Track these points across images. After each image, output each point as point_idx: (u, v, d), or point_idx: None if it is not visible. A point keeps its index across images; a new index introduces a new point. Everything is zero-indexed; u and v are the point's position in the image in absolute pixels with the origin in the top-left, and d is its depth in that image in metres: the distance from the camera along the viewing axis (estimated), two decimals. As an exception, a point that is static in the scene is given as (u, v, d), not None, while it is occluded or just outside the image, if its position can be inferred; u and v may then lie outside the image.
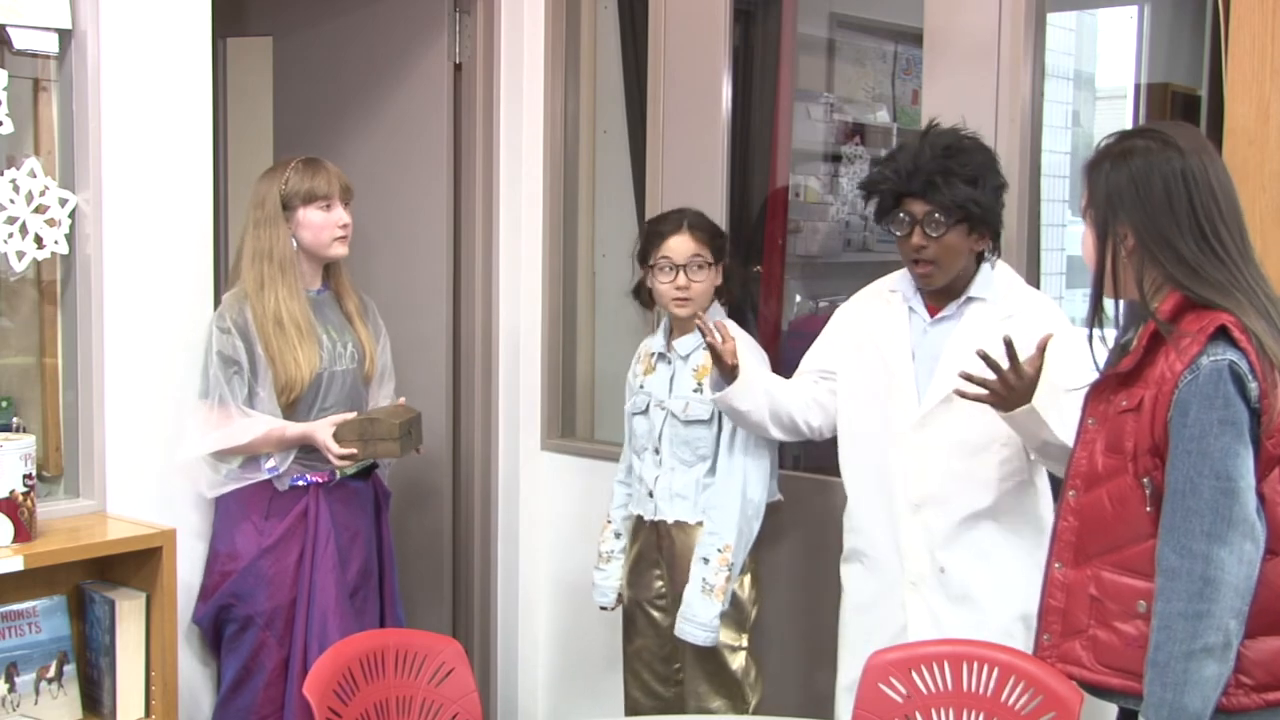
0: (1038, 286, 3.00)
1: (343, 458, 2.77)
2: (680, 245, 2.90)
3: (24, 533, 2.44)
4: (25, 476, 2.44)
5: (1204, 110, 3.23)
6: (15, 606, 2.52)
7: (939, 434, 2.53)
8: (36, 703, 2.54)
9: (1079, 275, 5.39)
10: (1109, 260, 1.96)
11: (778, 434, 2.77)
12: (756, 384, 2.69)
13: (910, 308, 2.62)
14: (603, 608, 3.13)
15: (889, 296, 2.67)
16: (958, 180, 2.46)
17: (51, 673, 2.56)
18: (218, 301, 2.88)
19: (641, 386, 3.02)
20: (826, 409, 2.75)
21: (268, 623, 2.81)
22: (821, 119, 3.85)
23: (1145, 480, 1.91)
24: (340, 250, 2.89)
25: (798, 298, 3.82)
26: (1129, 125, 4.22)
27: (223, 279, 3.93)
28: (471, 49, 3.55)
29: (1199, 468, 1.82)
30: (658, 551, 2.99)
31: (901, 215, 2.51)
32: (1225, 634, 1.81)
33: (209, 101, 2.86)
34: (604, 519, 3.14)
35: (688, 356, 2.94)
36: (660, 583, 3.00)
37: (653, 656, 3.04)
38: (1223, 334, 1.84)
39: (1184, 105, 3.77)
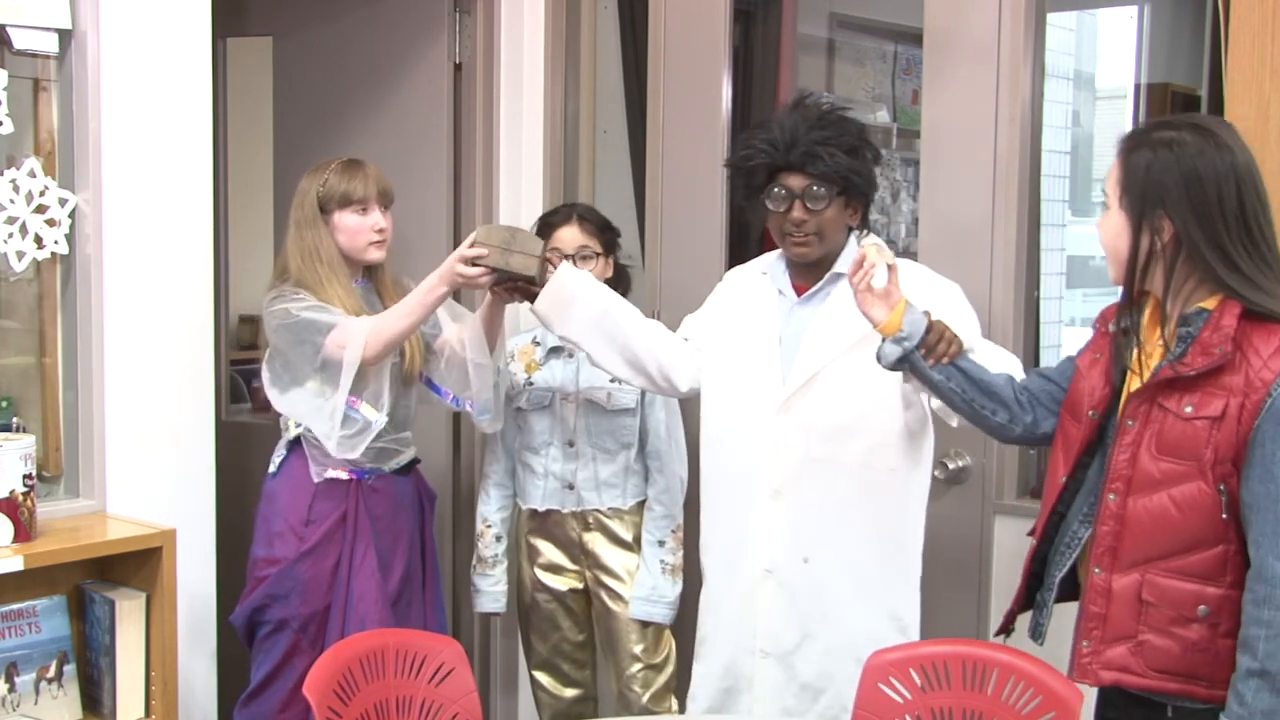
0: (1037, 287, 3.00)
1: (472, 261, 2.58)
2: (568, 236, 3.00)
3: (24, 533, 2.43)
4: (25, 476, 2.43)
5: (1204, 110, 3.23)
6: (15, 606, 2.52)
7: (802, 418, 2.47)
8: (36, 703, 2.53)
9: (1079, 275, 5.39)
10: (1143, 251, 1.93)
11: (629, 375, 2.69)
12: (583, 306, 2.57)
13: (779, 290, 2.57)
14: (496, 614, 3.20)
15: (760, 280, 2.63)
16: (838, 151, 2.41)
17: (51, 673, 2.56)
18: (218, 302, 2.87)
19: (530, 383, 3.05)
20: (690, 368, 2.67)
21: (302, 626, 2.80)
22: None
23: (1221, 487, 1.88)
24: (376, 255, 2.87)
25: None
26: (1129, 125, 4.22)
27: (223, 279, 3.94)
28: (471, 49, 3.55)
29: None
30: (579, 542, 3.06)
31: (778, 190, 2.45)
32: None
33: (209, 101, 2.86)
34: (482, 523, 3.15)
35: None
36: (575, 573, 3.09)
37: (572, 647, 3.16)
38: None
39: (1184, 105, 3.78)
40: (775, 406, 2.49)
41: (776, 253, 2.60)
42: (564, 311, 2.62)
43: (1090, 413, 2.05)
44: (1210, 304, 1.92)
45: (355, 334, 2.67)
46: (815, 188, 2.42)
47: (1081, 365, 2.12)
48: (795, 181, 2.44)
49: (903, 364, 2.19)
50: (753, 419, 2.53)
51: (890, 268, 2.20)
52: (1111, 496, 1.97)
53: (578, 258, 2.97)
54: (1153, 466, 1.93)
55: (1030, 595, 2.18)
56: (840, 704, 2.48)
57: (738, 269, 2.76)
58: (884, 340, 2.20)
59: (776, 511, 2.50)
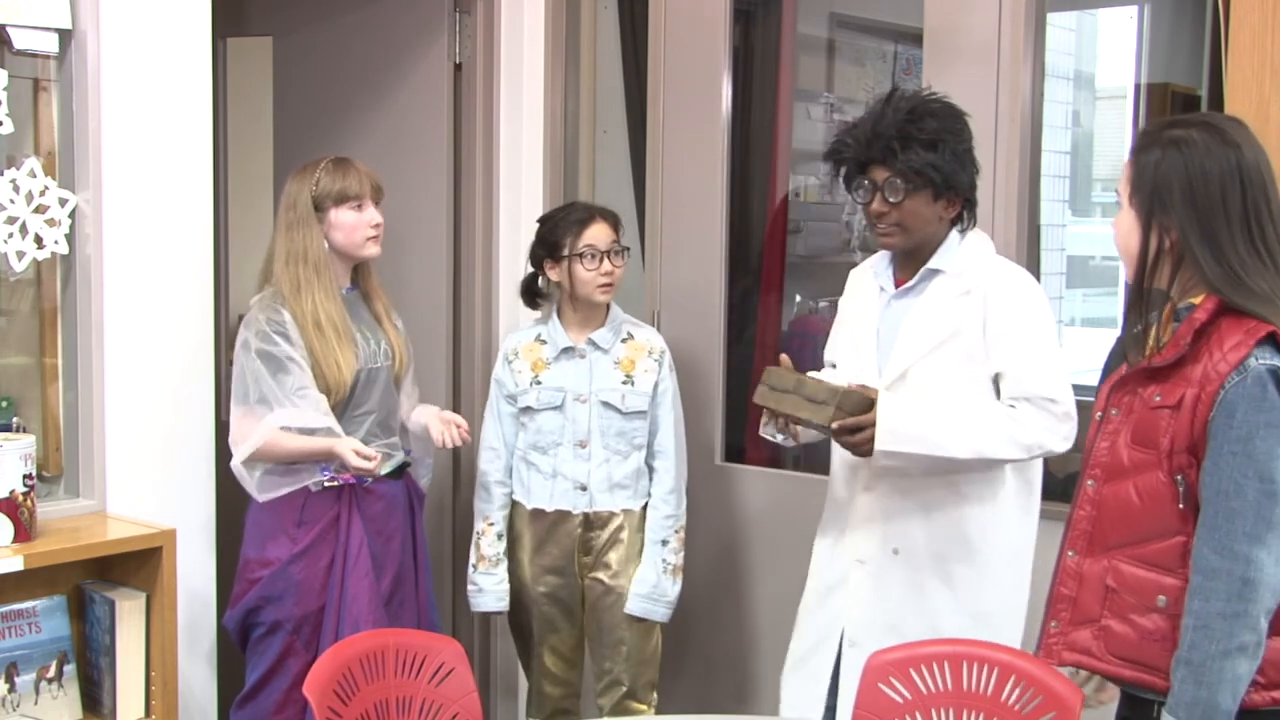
0: (1038, 286, 3.00)
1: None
2: (601, 233, 3.01)
3: (24, 533, 2.44)
4: (25, 476, 2.44)
5: (1204, 110, 3.22)
6: (15, 606, 2.52)
7: None
8: (36, 703, 2.54)
9: (1079, 275, 5.39)
10: (1153, 250, 1.94)
11: None
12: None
13: (880, 286, 2.59)
14: (499, 612, 3.14)
15: (867, 275, 2.66)
16: (917, 145, 2.42)
17: (51, 673, 2.56)
18: (218, 301, 2.86)
19: (538, 382, 3.03)
20: None
21: (296, 628, 2.79)
22: (821, 119, 3.85)
23: (1178, 477, 1.90)
24: (373, 250, 2.87)
25: (798, 298, 3.82)
26: (1129, 125, 4.22)
27: (223, 279, 3.93)
28: (471, 49, 3.55)
29: (1243, 469, 1.82)
30: (579, 541, 3.04)
31: (865, 181, 2.49)
32: (1259, 633, 1.82)
33: (209, 101, 2.86)
34: (484, 521, 3.10)
35: (609, 349, 3.01)
36: (574, 571, 3.06)
37: (568, 647, 3.14)
38: (1270, 339, 1.84)
39: (1184, 105, 3.77)
40: None
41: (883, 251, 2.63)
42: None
43: (1098, 415, 2.07)
44: (1199, 299, 1.93)
45: (264, 427, 2.70)
46: (894, 180, 2.45)
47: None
48: (878, 174, 2.48)
49: None
50: None
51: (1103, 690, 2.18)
52: (1090, 482, 2.02)
53: (611, 253, 2.98)
54: (1125, 454, 1.97)
55: None
56: None
57: (856, 268, 2.77)
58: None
59: (869, 504, 2.55)
